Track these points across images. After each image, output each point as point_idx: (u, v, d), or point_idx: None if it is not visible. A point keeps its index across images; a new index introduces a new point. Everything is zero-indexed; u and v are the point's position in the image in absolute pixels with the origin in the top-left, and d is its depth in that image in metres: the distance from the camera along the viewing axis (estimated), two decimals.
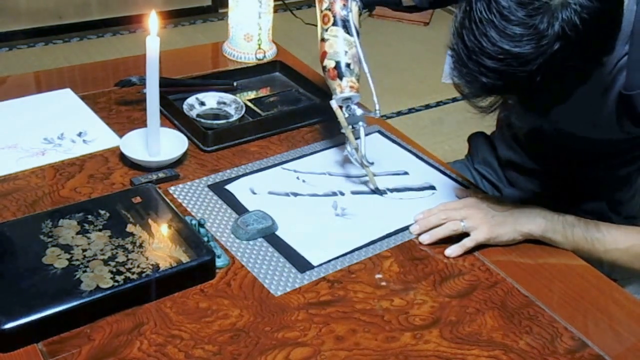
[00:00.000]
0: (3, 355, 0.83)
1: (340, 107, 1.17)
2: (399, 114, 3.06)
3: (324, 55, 1.20)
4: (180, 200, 1.11)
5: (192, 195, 1.13)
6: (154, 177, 1.15)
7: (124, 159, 1.19)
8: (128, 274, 0.91)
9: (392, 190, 1.21)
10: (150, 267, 0.92)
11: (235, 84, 1.46)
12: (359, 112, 1.18)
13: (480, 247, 1.07)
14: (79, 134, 1.25)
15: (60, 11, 3.38)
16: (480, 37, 0.84)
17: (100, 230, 0.98)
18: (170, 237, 0.98)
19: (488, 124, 0.99)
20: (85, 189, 1.12)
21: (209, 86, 1.42)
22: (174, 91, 1.38)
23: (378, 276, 1.01)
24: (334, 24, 1.20)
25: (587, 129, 1.16)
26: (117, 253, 0.94)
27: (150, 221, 1.00)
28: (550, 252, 1.09)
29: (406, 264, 1.04)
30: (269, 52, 1.62)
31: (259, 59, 1.59)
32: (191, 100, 1.35)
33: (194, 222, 1.02)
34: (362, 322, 0.93)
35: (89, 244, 0.95)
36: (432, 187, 1.23)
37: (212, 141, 1.24)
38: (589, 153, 1.24)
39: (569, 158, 1.27)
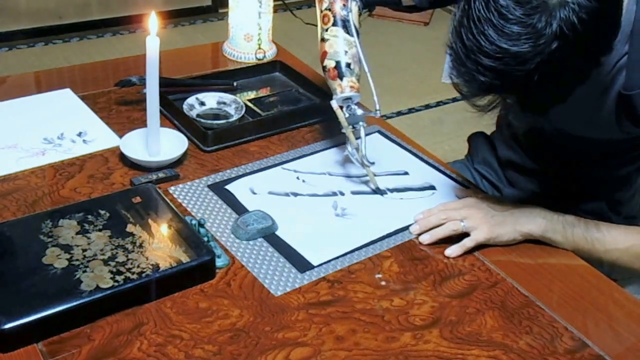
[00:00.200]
0: (3, 355, 0.83)
1: (341, 107, 1.17)
2: (399, 114, 3.06)
3: (324, 55, 1.20)
4: (180, 200, 1.11)
5: (192, 195, 1.13)
6: (154, 177, 1.15)
7: (124, 159, 1.19)
8: (128, 274, 0.91)
9: (392, 190, 1.21)
10: (150, 267, 0.92)
11: (235, 84, 1.46)
12: (359, 112, 1.18)
13: (480, 247, 1.07)
14: (79, 134, 1.25)
15: (60, 11, 3.38)
16: (479, 36, 0.85)
17: (100, 230, 0.98)
18: (170, 237, 0.98)
19: (488, 124, 0.99)
20: (85, 189, 1.12)
21: (209, 86, 1.42)
22: (174, 91, 1.38)
23: (378, 276, 1.01)
24: (334, 24, 1.20)
25: (586, 129, 1.16)
26: (117, 253, 0.94)
27: (150, 221, 1.00)
28: (550, 252, 1.09)
29: (406, 264, 1.04)
30: (269, 52, 1.62)
31: (259, 59, 1.59)
32: (191, 100, 1.35)
33: (194, 222, 1.02)
34: (362, 322, 0.93)
35: (89, 244, 0.95)
36: (432, 187, 1.23)
37: (212, 141, 1.24)
38: (589, 153, 1.24)
39: (569, 158, 1.27)
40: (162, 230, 1.00)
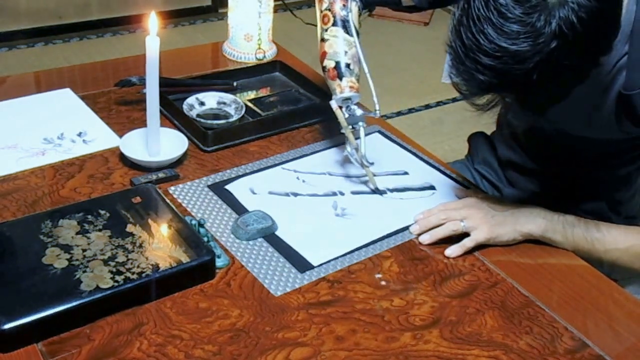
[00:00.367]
0: (3, 355, 0.83)
1: (340, 107, 1.17)
2: (399, 114, 3.06)
3: (323, 55, 1.20)
4: (180, 200, 1.11)
5: (192, 195, 1.13)
6: (154, 177, 1.15)
7: (124, 159, 1.19)
8: (128, 274, 0.91)
9: (392, 190, 1.21)
10: (150, 267, 0.92)
11: (235, 84, 1.46)
12: (358, 112, 1.18)
13: (480, 247, 1.07)
14: (79, 134, 1.25)
15: (60, 11, 3.38)
16: (478, 35, 0.85)
17: (100, 230, 0.98)
18: (170, 237, 0.98)
19: (488, 124, 0.99)
20: (85, 189, 1.12)
21: (209, 86, 1.42)
22: (174, 91, 1.38)
23: (378, 276, 1.01)
24: (334, 24, 1.20)
25: (586, 129, 1.16)
26: (117, 253, 0.94)
27: (150, 221, 1.00)
28: (550, 252, 1.09)
29: (406, 264, 1.04)
30: (269, 52, 1.62)
31: (259, 59, 1.59)
32: (191, 100, 1.35)
33: (194, 222, 1.02)
34: (362, 322, 0.93)
35: (88, 244, 0.95)
36: (432, 187, 1.23)
37: (212, 141, 1.24)
38: (589, 153, 1.24)
39: (569, 158, 1.27)
40: (162, 230, 1.00)
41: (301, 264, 1.02)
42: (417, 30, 3.88)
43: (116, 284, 0.89)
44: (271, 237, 1.06)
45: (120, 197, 1.05)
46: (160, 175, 1.16)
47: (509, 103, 0.94)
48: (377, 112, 1.20)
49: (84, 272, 0.90)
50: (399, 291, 0.99)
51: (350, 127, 1.17)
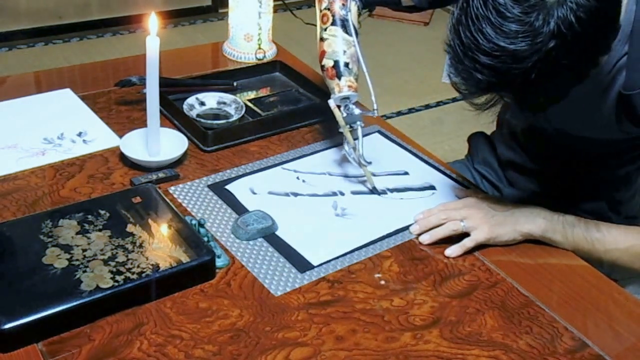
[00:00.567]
0: (3, 355, 0.83)
1: (339, 106, 1.17)
2: (399, 114, 3.06)
3: (322, 54, 1.20)
4: (180, 200, 1.11)
5: (192, 195, 1.13)
6: (154, 177, 1.15)
7: (124, 159, 1.19)
8: (128, 274, 0.91)
9: (392, 190, 1.21)
10: (150, 267, 0.92)
11: (235, 84, 1.46)
12: (357, 111, 1.18)
13: (480, 247, 1.07)
14: (79, 134, 1.25)
15: (60, 11, 3.38)
16: (476, 34, 0.85)
17: (100, 230, 0.98)
18: (170, 237, 0.98)
19: (488, 124, 0.99)
20: (85, 189, 1.12)
21: (209, 86, 1.42)
22: (174, 91, 1.38)
23: (377, 275, 1.01)
24: (333, 23, 1.20)
25: (586, 129, 1.16)
26: (117, 253, 0.94)
27: (150, 221, 1.00)
28: (550, 252, 1.09)
29: (406, 264, 1.04)
30: (269, 52, 1.62)
31: (259, 59, 1.59)
32: (191, 100, 1.35)
33: (194, 222, 1.02)
34: (362, 322, 0.93)
35: (89, 244, 0.95)
36: (432, 187, 1.23)
37: (212, 141, 1.24)
38: (589, 153, 1.24)
39: (569, 158, 1.27)
40: (162, 230, 1.00)
41: (301, 264, 1.02)
42: (417, 30, 3.89)
43: (116, 284, 0.89)
44: (271, 237, 1.06)
45: (120, 197, 1.05)
46: (160, 175, 1.16)
47: (508, 102, 0.94)
48: (375, 111, 1.20)
49: (84, 272, 0.90)
50: (399, 291, 0.99)
51: (349, 126, 1.17)
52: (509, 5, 0.83)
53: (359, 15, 1.27)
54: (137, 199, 1.04)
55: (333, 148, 1.30)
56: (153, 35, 1.09)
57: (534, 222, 1.08)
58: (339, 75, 1.17)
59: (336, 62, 1.18)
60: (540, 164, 1.33)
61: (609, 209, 1.30)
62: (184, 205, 1.11)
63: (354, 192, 1.19)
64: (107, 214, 1.01)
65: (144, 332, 0.88)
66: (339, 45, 1.19)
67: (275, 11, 1.63)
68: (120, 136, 1.22)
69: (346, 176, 1.23)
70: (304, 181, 1.20)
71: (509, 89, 0.90)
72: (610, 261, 1.07)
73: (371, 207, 1.16)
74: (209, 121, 1.31)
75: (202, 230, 1.02)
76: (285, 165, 1.24)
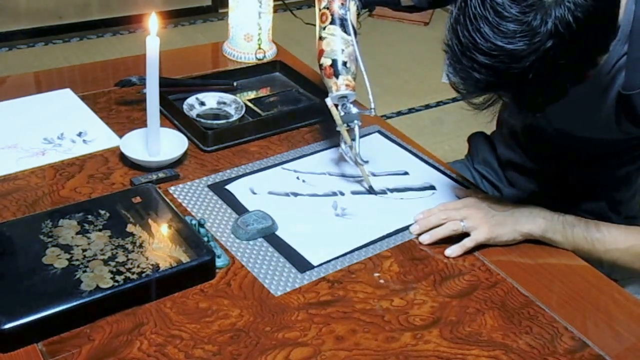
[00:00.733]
0: (3, 355, 0.83)
1: (336, 105, 1.17)
2: (399, 114, 3.06)
3: (321, 53, 1.20)
4: (180, 200, 1.11)
5: (192, 195, 1.13)
6: (154, 177, 1.15)
7: (124, 159, 1.19)
8: (128, 274, 0.91)
9: (392, 190, 1.21)
10: (150, 267, 0.92)
11: (235, 84, 1.46)
12: (354, 110, 1.18)
13: (480, 247, 1.07)
14: (79, 134, 1.25)
15: (60, 11, 3.38)
16: (474, 33, 0.85)
17: (100, 230, 0.98)
18: (170, 237, 0.98)
19: (488, 124, 0.99)
20: (85, 189, 1.12)
21: (209, 86, 1.42)
22: (174, 91, 1.38)
23: (376, 274, 1.01)
24: (332, 22, 1.20)
25: (586, 129, 1.16)
26: (117, 253, 0.94)
27: (150, 221, 1.00)
28: (550, 252, 1.09)
29: (406, 264, 1.04)
30: (269, 52, 1.62)
31: (259, 59, 1.59)
32: (191, 100, 1.35)
33: (194, 222, 1.02)
34: (362, 322, 0.93)
35: (89, 244, 0.95)
36: (432, 187, 1.23)
37: (212, 141, 1.24)
38: (589, 153, 1.24)
39: (569, 158, 1.27)
40: (162, 230, 1.00)
41: (301, 264, 1.02)
42: (417, 30, 3.89)
43: (116, 284, 0.89)
44: (271, 237, 1.06)
45: (121, 197, 1.05)
46: (160, 175, 1.16)
47: (507, 102, 0.94)
48: (373, 110, 1.20)
49: (84, 272, 0.90)
50: (399, 291, 0.99)
51: (346, 125, 1.17)
52: (507, 5, 0.83)
53: (358, 15, 1.27)
54: (137, 199, 1.04)
55: (333, 148, 1.30)
56: (153, 35, 1.09)
57: (534, 222, 1.08)
58: (336, 74, 1.18)
59: (334, 61, 1.18)
60: (540, 164, 1.33)
61: (609, 209, 1.30)
62: (184, 205, 1.11)
63: (354, 192, 1.19)
64: (107, 214, 1.01)
65: (144, 332, 0.88)
66: (337, 44, 1.19)
67: (275, 11, 1.63)
68: (120, 136, 1.22)
69: (346, 176, 1.23)
70: (304, 181, 1.20)
71: (507, 89, 0.90)
72: (610, 261, 1.07)
73: (371, 207, 1.16)
74: (209, 121, 1.31)
75: (202, 230, 1.02)
76: (285, 165, 1.24)
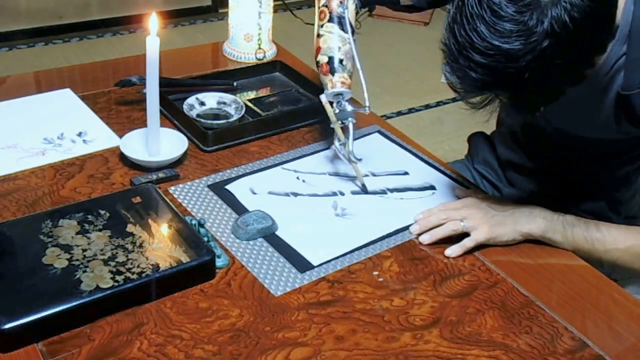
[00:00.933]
0: (3, 355, 0.83)
1: (331, 102, 1.17)
2: (399, 114, 3.06)
3: (318, 50, 1.21)
4: (180, 200, 1.12)
5: (192, 195, 1.13)
6: (154, 177, 1.15)
7: (124, 159, 1.19)
8: (128, 274, 0.91)
9: (392, 190, 1.21)
10: (150, 267, 0.92)
11: (235, 84, 1.46)
12: (349, 108, 1.18)
13: (480, 247, 1.07)
14: (79, 134, 1.25)
15: (60, 11, 3.38)
16: (471, 32, 0.85)
17: (100, 230, 0.98)
18: (170, 237, 0.98)
19: (484, 122, 0.99)
20: (85, 189, 1.12)
21: (209, 86, 1.42)
22: (174, 91, 1.38)
23: (375, 273, 1.01)
24: (330, 20, 1.20)
25: (585, 129, 1.16)
26: (117, 253, 0.94)
27: (150, 221, 1.00)
28: (550, 252, 1.09)
29: (406, 264, 1.04)
30: (269, 52, 1.62)
31: (259, 59, 1.59)
32: (191, 100, 1.35)
33: (194, 222, 1.02)
34: (362, 322, 0.93)
35: (89, 244, 0.95)
36: (432, 187, 1.23)
37: (212, 141, 1.24)
38: (588, 153, 1.24)
39: (569, 158, 1.27)
40: (162, 230, 1.00)
41: (301, 264, 1.02)
42: (417, 30, 3.89)
43: (116, 284, 0.89)
44: (271, 237, 1.06)
45: (120, 197, 1.05)
46: (160, 175, 1.16)
47: (504, 101, 0.94)
48: (367, 108, 1.20)
49: (84, 272, 0.90)
50: (399, 291, 0.99)
51: (340, 122, 1.17)
52: (504, 5, 0.83)
53: (357, 14, 1.27)
54: (137, 199, 1.04)
55: (333, 148, 1.30)
56: (153, 35, 1.09)
57: (534, 222, 1.08)
58: (332, 72, 1.18)
59: (330, 59, 1.18)
60: (540, 164, 1.33)
61: (609, 209, 1.30)
62: (184, 205, 1.11)
63: (354, 192, 1.19)
64: (107, 214, 1.01)
65: (144, 332, 0.88)
66: (334, 42, 1.19)
67: (275, 11, 1.63)
68: (120, 136, 1.22)
69: (346, 176, 1.23)
70: (304, 181, 1.20)
71: (503, 88, 0.90)
72: (610, 261, 1.07)
73: (371, 207, 1.16)
74: (209, 121, 1.31)
75: (202, 230, 1.02)
76: (285, 165, 1.24)
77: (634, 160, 1.23)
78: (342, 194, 1.18)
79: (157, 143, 1.18)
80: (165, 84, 1.31)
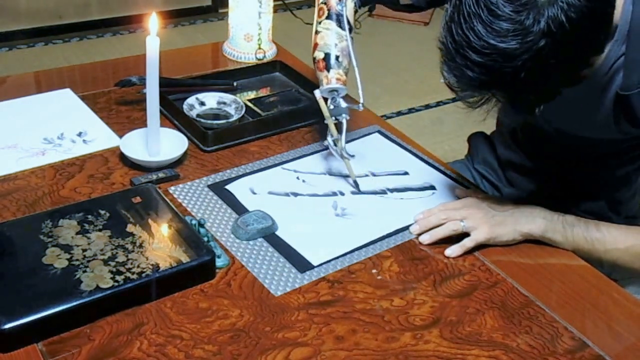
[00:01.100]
0: (3, 355, 0.83)
1: (326, 99, 1.18)
2: (399, 114, 3.06)
3: (315, 47, 1.21)
4: (180, 200, 1.12)
5: (192, 195, 1.13)
6: (154, 177, 1.15)
7: (124, 159, 1.19)
8: (128, 274, 0.91)
9: (392, 190, 1.21)
10: (150, 267, 0.92)
11: (235, 84, 1.46)
12: (343, 104, 1.18)
13: (480, 247, 1.07)
14: (79, 134, 1.25)
15: (60, 11, 3.38)
16: (468, 31, 0.85)
17: (100, 230, 0.98)
18: (170, 237, 0.98)
19: (488, 124, 0.99)
20: (85, 189, 1.12)
21: (209, 86, 1.42)
22: (174, 91, 1.38)
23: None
24: (328, 17, 1.21)
25: (585, 129, 1.16)
26: (117, 253, 0.94)
27: (150, 221, 1.00)
28: (550, 252, 1.09)
29: (406, 264, 1.04)
30: (269, 52, 1.62)
31: (259, 59, 1.59)
32: (191, 100, 1.35)
33: (194, 222, 1.02)
34: (362, 322, 0.93)
35: (89, 244, 0.95)
36: (432, 187, 1.23)
37: (212, 141, 1.24)
38: (588, 153, 1.24)
39: (569, 158, 1.27)
40: (162, 230, 1.00)
41: (301, 264, 1.02)
42: (417, 30, 3.88)
43: (116, 284, 0.89)
44: (271, 237, 1.06)
45: (120, 197, 1.05)
46: (160, 175, 1.16)
47: (501, 101, 0.94)
48: (361, 105, 1.20)
49: (84, 272, 0.90)
50: (399, 291, 0.99)
51: (334, 118, 1.17)
52: (501, 4, 0.83)
53: (355, 12, 1.28)
54: (137, 199, 1.04)
55: None
56: (153, 35, 1.09)
57: (534, 222, 1.07)
58: (328, 68, 1.18)
59: (327, 55, 1.18)
60: (540, 164, 1.33)
61: (609, 209, 1.30)
62: (184, 205, 1.11)
63: (354, 192, 1.19)
64: (107, 214, 1.01)
65: (144, 332, 0.88)
66: (331, 39, 1.19)
67: (275, 11, 1.63)
68: (120, 136, 1.22)
69: (346, 176, 1.23)
70: (304, 181, 1.20)
71: (500, 87, 0.90)
72: (610, 261, 1.07)
73: (371, 207, 1.16)
74: (209, 121, 1.31)
75: (202, 230, 1.02)
76: (285, 165, 1.24)
77: (634, 160, 1.23)
78: (342, 194, 1.18)
79: (157, 143, 1.18)
80: (165, 84, 1.31)
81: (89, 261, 0.92)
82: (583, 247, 1.07)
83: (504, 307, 0.98)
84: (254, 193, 1.15)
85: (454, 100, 3.27)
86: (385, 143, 1.35)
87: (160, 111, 1.19)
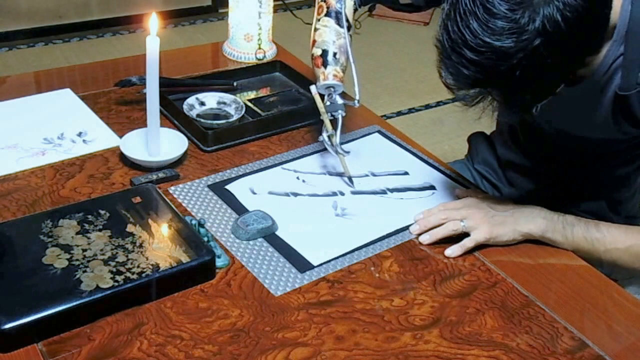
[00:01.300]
0: (3, 355, 0.83)
1: (322, 95, 1.18)
2: (399, 114, 3.06)
3: (313, 44, 1.22)
4: (180, 200, 1.12)
5: (192, 195, 1.13)
6: (154, 177, 1.15)
7: (124, 159, 1.19)
8: (128, 274, 0.91)
9: (392, 190, 1.21)
10: (150, 267, 0.92)
11: (235, 84, 1.46)
12: (340, 101, 1.19)
13: (480, 247, 1.07)
14: (79, 134, 1.25)
15: (60, 11, 3.38)
16: (464, 29, 0.85)
17: (100, 230, 0.98)
18: (170, 237, 0.98)
19: (488, 124, 0.99)
20: (85, 189, 1.12)
21: (209, 86, 1.42)
22: (174, 91, 1.38)
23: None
24: (327, 14, 1.21)
25: (584, 129, 1.16)
26: (117, 253, 0.94)
27: (150, 221, 1.00)
28: (550, 252, 1.09)
29: (406, 264, 1.04)
30: (269, 52, 1.62)
31: (259, 59, 1.59)
32: (191, 100, 1.35)
33: (194, 222, 1.02)
34: (362, 322, 0.93)
35: (89, 244, 0.95)
36: (432, 187, 1.23)
37: (212, 141, 1.24)
38: (588, 153, 1.24)
39: (568, 158, 1.27)
40: (162, 230, 1.00)
41: (301, 264, 1.02)
42: (417, 30, 3.88)
43: (116, 284, 0.89)
44: (271, 237, 1.06)
45: (120, 197, 1.05)
46: (160, 175, 1.16)
47: (497, 100, 0.94)
48: (357, 101, 1.20)
49: (84, 272, 0.90)
50: (398, 291, 0.99)
51: (330, 114, 1.17)
52: (497, 2, 0.83)
53: (355, 11, 1.28)
54: (137, 199, 1.04)
55: None
56: (153, 35, 1.09)
57: (534, 222, 1.08)
58: (325, 64, 1.18)
59: (324, 52, 1.19)
60: (540, 164, 1.33)
61: (609, 209, 1.30)
62: (184, 205, 1.11)
63: (354, 192, 1.19)
64: (107, 214, 1.01)
65: (144, 332, 0.88)
66: (329, 36, 1.20)
67: (275, 11, 1.63)
68: (120, 136, 1.22)
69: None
70: (304, 181, 1.20)
71: (495, 86, 0.90)
72: (610, 261, 1.07)
73: (371, 207, 1.16)
74: (209, 121, 1.31)
75: (202, 230, 1.02)
76: (285, 165, 1.24)
77: (634, 160, 1.23)
78: (342, 194, 1.18)
79: (157, 143, 1.18)
80: (165, 84, 1.32)
81: (89, 261, 0.92)
82: (583, 247, 1.07)
83: (504, 307, 0.98)
84: (254, 193, 1.16)
85: (453, 100, 3.26)
86: (385, 143, 1.35)
87: (160, 111, 1.19)
